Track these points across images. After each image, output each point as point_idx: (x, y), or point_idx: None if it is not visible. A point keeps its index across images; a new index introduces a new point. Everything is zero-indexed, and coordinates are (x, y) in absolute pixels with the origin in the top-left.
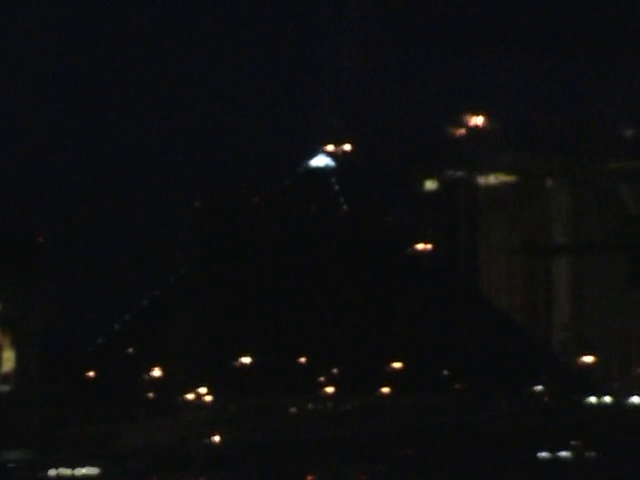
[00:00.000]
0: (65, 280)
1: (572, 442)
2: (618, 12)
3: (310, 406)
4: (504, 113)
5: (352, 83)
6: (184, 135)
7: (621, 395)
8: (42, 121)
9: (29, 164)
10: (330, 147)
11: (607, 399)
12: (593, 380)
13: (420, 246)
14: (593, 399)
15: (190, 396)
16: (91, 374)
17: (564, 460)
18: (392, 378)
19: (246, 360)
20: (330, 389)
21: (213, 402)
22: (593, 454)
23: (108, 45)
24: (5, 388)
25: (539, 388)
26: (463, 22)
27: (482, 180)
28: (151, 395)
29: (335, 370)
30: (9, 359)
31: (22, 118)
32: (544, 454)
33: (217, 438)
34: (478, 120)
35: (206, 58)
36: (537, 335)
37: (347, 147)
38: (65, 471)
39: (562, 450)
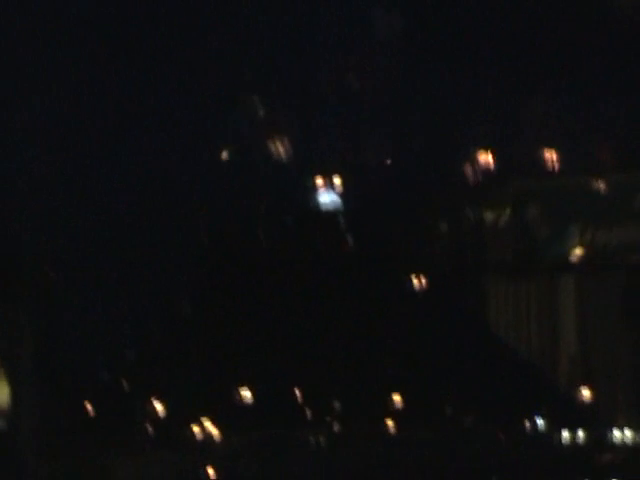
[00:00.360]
0: (62, 307)
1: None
2: None
3: (314, 438)
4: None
5: (358, 112)
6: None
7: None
8: (39, 134)
9: (26, 174)
10: (336, 181)
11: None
12: (596, 414)
13: (423, 279)
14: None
15: (193, 429)
16: (90, 407)
17: None
18: (396, 410)
19: (249, 393)
20: (336, 422)
21: (216, 436)
22: None
23: (115, 58)
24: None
25: (542, 421)
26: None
27: (488, 210)
28: (152, 428)
29: (340, 402)
30: (2, 393)
31: (16, 131)
32: None
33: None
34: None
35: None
36: (541, 367)
37: (353, 181)
38: None
39: None
